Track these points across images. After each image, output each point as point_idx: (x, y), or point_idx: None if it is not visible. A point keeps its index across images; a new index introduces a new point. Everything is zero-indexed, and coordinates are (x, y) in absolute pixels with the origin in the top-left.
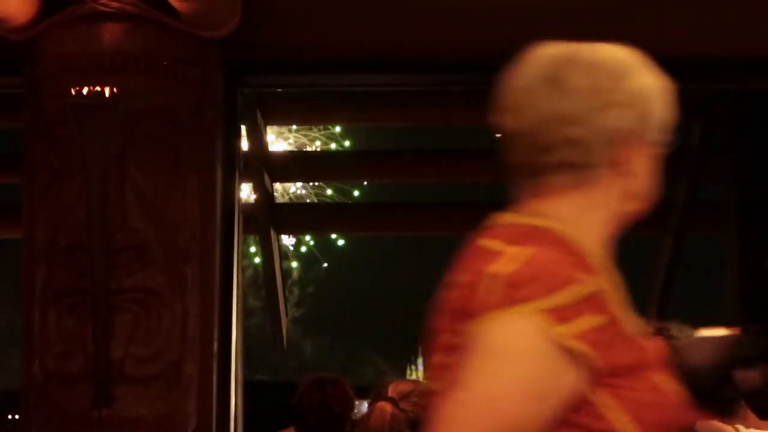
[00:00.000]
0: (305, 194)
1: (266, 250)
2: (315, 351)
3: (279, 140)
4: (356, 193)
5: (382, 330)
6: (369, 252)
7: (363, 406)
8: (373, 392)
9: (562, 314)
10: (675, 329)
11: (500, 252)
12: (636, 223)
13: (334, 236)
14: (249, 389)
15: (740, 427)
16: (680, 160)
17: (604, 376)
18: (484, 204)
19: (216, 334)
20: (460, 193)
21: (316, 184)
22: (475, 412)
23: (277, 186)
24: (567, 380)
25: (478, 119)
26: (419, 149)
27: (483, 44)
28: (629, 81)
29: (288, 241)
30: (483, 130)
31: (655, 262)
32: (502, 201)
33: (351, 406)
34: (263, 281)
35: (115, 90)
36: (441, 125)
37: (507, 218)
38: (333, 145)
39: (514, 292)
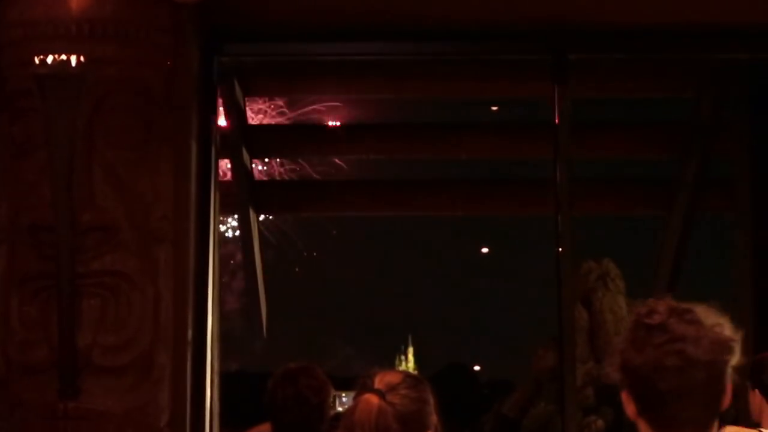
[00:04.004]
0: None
1: (245, 232)
2: (271, 340)
3: None
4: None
5: (345, 317)
6: (323, 234)
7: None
8: (358, 383)
9: None
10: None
11: None
12: (642, 203)
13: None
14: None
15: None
16: (689, 136)
17: None
18: (477, 182)
19: (190, 320)
20: (451, 169)
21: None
22: None
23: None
24: None
25: (473, 91)
26: (407, 122)
27: (475, 11)
28: None
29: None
30: (479, 102)
31: (663, 244)
32: (496, 179)
33: (328, 393)
34: (242, 265)
35: (82, 58)
36: (431, 97)
37: None
38: None
39: None
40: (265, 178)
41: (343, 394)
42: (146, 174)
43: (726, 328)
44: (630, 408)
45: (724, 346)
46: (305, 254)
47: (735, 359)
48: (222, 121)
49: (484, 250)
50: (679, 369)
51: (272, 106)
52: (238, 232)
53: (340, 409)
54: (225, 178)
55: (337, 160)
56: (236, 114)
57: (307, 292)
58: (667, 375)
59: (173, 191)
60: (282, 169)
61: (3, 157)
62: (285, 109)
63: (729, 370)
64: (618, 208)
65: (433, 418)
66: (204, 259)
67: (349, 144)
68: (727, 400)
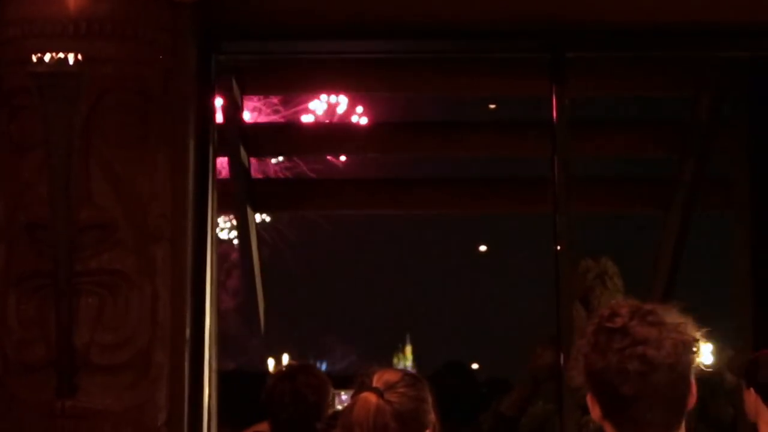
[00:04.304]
0: None
1: (242, 230)
2: (268, 338)
3: None
4: None
5: (342, 315)
6: (319, 232)
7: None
8: (356, 382)
9: None
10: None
11: None
12: (640, 201)
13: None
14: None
15: None
16: (688, 135)
17: None
18: (475, 180)
19: (188, 319)
20: (449, 167)
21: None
22: None
23: None
24: None
25: (470, 89)
26: (404, 120)
27: (472, 9)
28: None
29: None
30: (480, 101)
31: (662, 242)
32: (493, 177)
33: (326, 394)
34: (240, 263)
35: (80, 57)
36: (429, 95)
37: None
38: None
39: None
40: (259, 176)
41: (343, 393)
42: (144, 172)
43: (689, 328)
44: (595, 411)
45: (687, 347)
46: (301, 252)
47: (698, 359)
48: (219, 119)
49: (482, 248)
50: (641, 373)
51: (267, 104)
52: (232, 233)
53: (339, 407)
54: (221, 176)
55: (329, 157)
56: (234, 112)
57: (304, 290)
58: (630, 379)
59: (171, 189)
60: (277, 167)
61: (0, 156)
62: (279, 107)
63: (693, 370)
64: (616, 207)
65: (432, 417)
66: (202, 258)
67: (347, 142)
68: (692, 400)
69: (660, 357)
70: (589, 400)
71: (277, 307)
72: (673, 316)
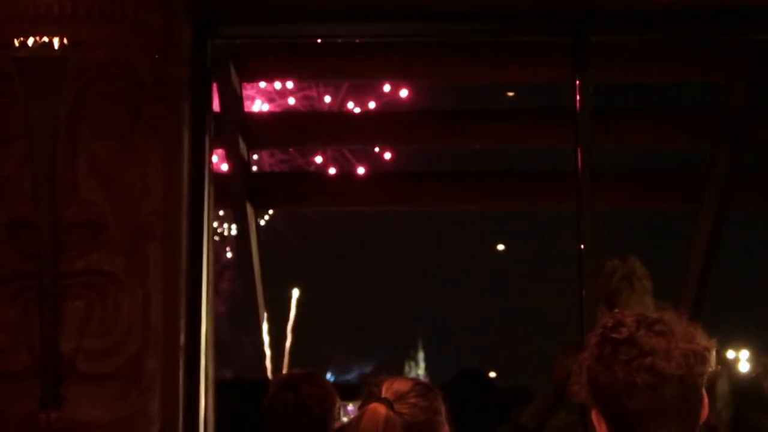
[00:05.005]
0: None
1: (242, 229)
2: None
3: None
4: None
5: (348, 320)
6: (318, 230)
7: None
8: (364, 392)
9: None
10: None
11: None
12: (670, 196)
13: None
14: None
15: None
16: (721, 123)
17: None
18: (492, 174)
19: (183, 324)
20: (463, 160)
21: None
22: None
23: None
24: None
25: (486, 76)
26: (414, 109)
27: None
28: None
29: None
30: (493, 88)
31: (693, 240)
32: (512, 171)
33: (331, 404)
34: (237, 265)
35: (65, 41)
36: (441, 82)
37: None
38: None
39: None
40: (253, 169)
41: (350, 405)
42: (135, 166)
43: (699, 337)
44: (601, 429)
45: (698, 358)
46: (300, 252)
47: (710, 369)
48: (216, 108)
49: (500, 247)
50: (650, 386)
51: (261, 93)
52: (216, 238)
53: (345, 420)
54: (218, 170)
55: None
56: (232, 101)
57: (305, 293)
58: (638, 393)
59: (164, 184)
60: (272, 160)
61: None
62: (274, 96)
63: (704, 382)
64: (644, 202)
65: (445, 429)
66: (197, 258)
67: (355, 132)
68: (704, 413)
69: (670, 368)
70: (594, 417)
71: (278, 312)
72: (681, 325)
